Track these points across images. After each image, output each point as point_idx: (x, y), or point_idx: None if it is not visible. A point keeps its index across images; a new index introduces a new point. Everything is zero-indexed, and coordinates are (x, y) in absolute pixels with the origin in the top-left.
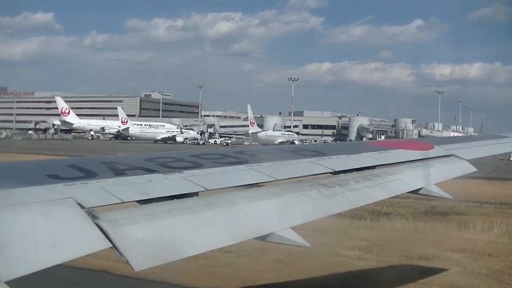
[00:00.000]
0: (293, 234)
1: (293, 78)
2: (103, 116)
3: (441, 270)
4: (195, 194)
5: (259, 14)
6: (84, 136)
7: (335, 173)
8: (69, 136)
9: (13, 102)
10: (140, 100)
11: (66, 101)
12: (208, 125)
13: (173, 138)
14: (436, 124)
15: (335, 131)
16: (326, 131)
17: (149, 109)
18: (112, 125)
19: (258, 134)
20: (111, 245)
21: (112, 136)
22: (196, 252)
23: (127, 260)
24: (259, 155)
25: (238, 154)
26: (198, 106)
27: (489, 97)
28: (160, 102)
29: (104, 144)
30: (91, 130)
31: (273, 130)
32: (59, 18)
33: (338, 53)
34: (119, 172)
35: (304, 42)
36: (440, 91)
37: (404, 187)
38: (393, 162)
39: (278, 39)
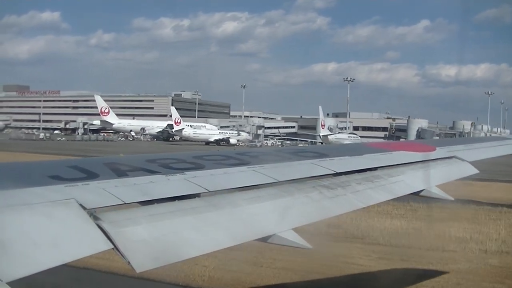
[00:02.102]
0: (295, 236)
1: (348, 79)
2: (133, 116)
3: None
4: (197, 195)
5: (265, 14)
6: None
7: (337, 174)
8: (116, 136)
9: (37, 101)
10: (172, 100)
11: (89, 100)
12: (258, 126)
13: (226, 140)
14: (484, 126)
15: (387, 133)
16: (377, 133)
17: (180, 109)
18: (152, 126)
19: (329, 137)
20: (112, 246)
21: (151, 137)
22: (197, 253)
23: (128, 262)
24: (261, 156)
25: (239, 155)
26: (227, 107)
27: (494, 98)
28: (192, 102)
29: (168, 148)
30: (131, 130)
31: (330, 130)
32: (66, 17)
33: (345, 53)
34: (121, 173)
35: (311, 42)
36: (490, 93)
37: (405, 189)
38: (395, 163)
39: (284, 39)
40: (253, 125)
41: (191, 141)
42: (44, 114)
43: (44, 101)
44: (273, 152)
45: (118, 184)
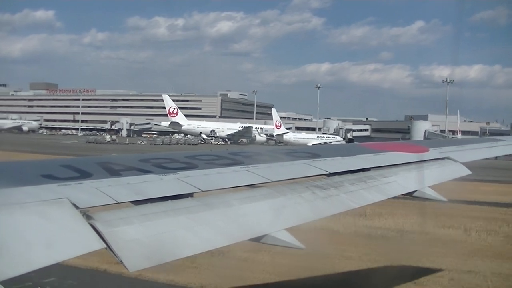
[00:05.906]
0: (288, 236)
1: (447, 80)
2: None
3: None
4: (190, 195)
5: (260, 13)
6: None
7: (330, 175)
8: (194, 139)
9: (68, 100)
10: (221, 100)
11: (127, 99)
12: (346, 129)
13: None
14: None
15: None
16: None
17: (228, 109)
18: (223, 128)
19: None
20: (105, 246)
21: (223, 139)
22: (190, 253)
23: (121, 261)
24: (254, 156)
25: (233, 155)
26: (270, 107)
27: (486, 99)
28: (238, 103)
29: None
30: (201, 133)
31: (425, 136)
32: (60, 16)
33: (338, 53)
34: (114, 173)
35: (305, 42)
36: None
37: (399, 189)
38: (388, 164)
39: (278, 39)
40: (340, 129)
41: (289, 145)
42: (77, 113)
43: (83, 100)
44: (266, 152)
45: (111, 184)
